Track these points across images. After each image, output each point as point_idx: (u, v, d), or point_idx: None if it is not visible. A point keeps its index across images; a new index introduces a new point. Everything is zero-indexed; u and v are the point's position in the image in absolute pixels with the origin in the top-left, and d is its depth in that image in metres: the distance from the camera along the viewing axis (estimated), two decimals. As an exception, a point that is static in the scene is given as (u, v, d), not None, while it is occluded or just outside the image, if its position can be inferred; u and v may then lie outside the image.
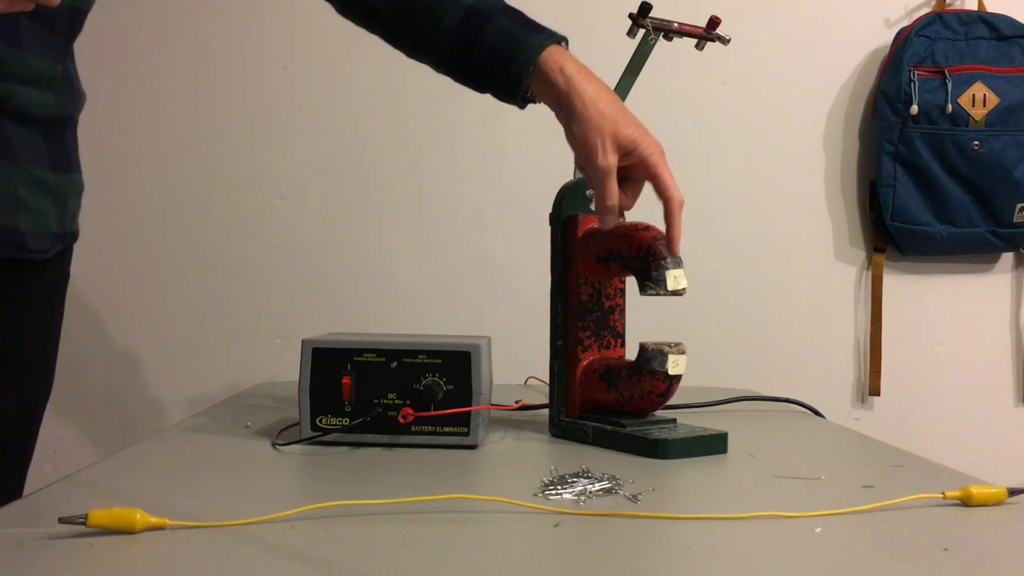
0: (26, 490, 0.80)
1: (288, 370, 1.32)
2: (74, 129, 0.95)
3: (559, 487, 0.76)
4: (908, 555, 0.62)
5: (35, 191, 0.87)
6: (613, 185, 0.88)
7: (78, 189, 0.96)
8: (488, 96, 0.97)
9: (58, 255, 0.95)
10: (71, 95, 0.92)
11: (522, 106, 0.95)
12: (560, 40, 0.93)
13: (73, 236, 0.97)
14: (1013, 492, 0.74)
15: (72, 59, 0.93)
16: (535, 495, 0.74)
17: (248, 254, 1.68)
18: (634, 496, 0.74)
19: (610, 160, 0.87)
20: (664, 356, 0.94)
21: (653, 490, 0.77)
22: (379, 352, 0.93)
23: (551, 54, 0.91)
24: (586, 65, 0.92)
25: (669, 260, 0.93)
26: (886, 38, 1.71)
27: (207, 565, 0.57)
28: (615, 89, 1.03)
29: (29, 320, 0.93)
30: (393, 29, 0.97)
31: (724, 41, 1.04)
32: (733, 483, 0.85)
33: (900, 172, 1.66)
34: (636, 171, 0.90)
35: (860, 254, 1.75)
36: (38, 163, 0.87)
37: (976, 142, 1.63)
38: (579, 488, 0.75)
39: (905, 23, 1.69)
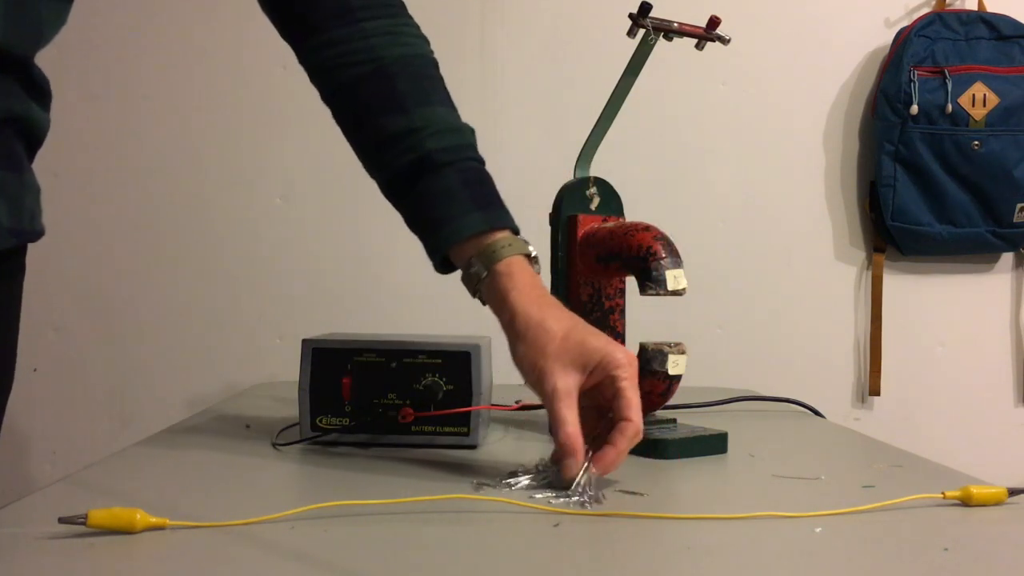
0: (26, 490, 0.80)
1: (288, 370, 1.32)
2: (25, 130, 0.87)
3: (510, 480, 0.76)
4: (908, 555, 0.62)
5: None
6: (566, 414, 0.73)
7: (33, 190, 0.89)
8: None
9: (12, 249, 0.91)
10: (15, 98, 0.83)
11: (442, 273, 0.87)
12: (502, 227, 0.82)
13: (33, 234, 0.90)
14: (1013, 492, 0.74)
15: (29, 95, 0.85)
16: (483, 486, 0.74)
17: (248, 254, 1.68)
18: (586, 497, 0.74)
19: (566, 381, 0.74)
20: (664, 356, 0.94)
21: (645, 495, 0.77)
22: (379, 352, 0.93)
23: (499, 263, 0.80)
24: (529, 269, 0.82)
25: (669, 260, 0.93)
26: (886, 38, 1.71)
27: (207, 565, 0.57)
28: (614, 91, 1.03)
29: None
30: (347, 130, 0.90)
31: (724, 41, 1.04)
32: (733, 483, 0.85)
33: (900, 172, 1.66)
34: (604, 390, 0.76)
35: (860, 254, 1.75)
36: None
37: (976, 142, 1.63)
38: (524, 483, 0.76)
39: (905, 23, 1.69)
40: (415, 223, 0.87)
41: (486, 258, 0.81)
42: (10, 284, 0.93)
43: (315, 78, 0.91)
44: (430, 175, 0.83)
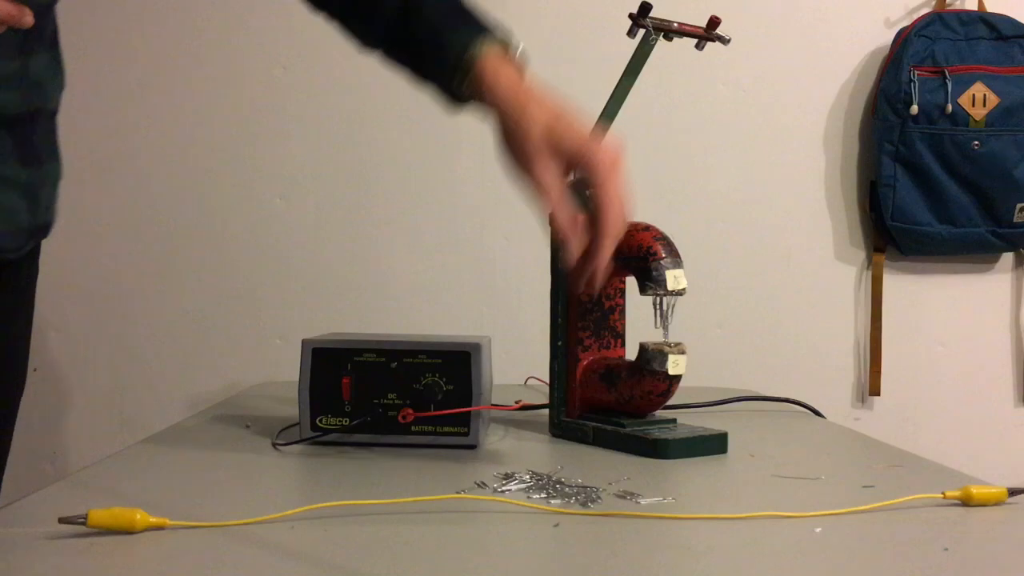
0: (26, 490, 0.80)
1: (288, 370, 1.31)
2: (47, 119, 0.91)
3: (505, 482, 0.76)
4: (908, 555, 0.62)
5: (5, 190, 0.85)
6: (557, 207, 0.77)
7: (53, 179, 0.92)
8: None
9: (28, 252, 0.92)
10: (37, 89, 0.87)
11: (460, 110, 0.87)
12: (490, 33, 0.84)
13: (47, 227, 0.93)
14: (1013, 492, 0.74)
15: (40, 51, 0.87)
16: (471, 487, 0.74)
17: (248, 254, 1.68)
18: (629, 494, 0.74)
19: (552, 177, 0.77)
20: (664, 356, 0.94)
21: (638, 501, 0.77)
22: (379, 352, 0.93)
23: (481, 61, 0.82)
24: (518, 66, 0.85)
25: (669, 260, 0.93)
26: (886, 38, 1.71)
27: (207, 565, 0.57)
28: (614, 91, 1.03)
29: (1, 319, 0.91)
30: (343, 18, 0.90)
31: (724, 41, 1.04)
32: (733, 483, 0.85)
33: (900, 172, 1.66)
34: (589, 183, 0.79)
35: (860, 254, 1.74)
36: (6, 161, 0.84)
37: (976, 142, 1.62)
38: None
39: (905, 23, 1.69)
40: (419, 71, 0.87)
41: (463, 69, 0.83)
42: (26, 288, 0.94)
43: None
44: (414, 15, 0.84)
